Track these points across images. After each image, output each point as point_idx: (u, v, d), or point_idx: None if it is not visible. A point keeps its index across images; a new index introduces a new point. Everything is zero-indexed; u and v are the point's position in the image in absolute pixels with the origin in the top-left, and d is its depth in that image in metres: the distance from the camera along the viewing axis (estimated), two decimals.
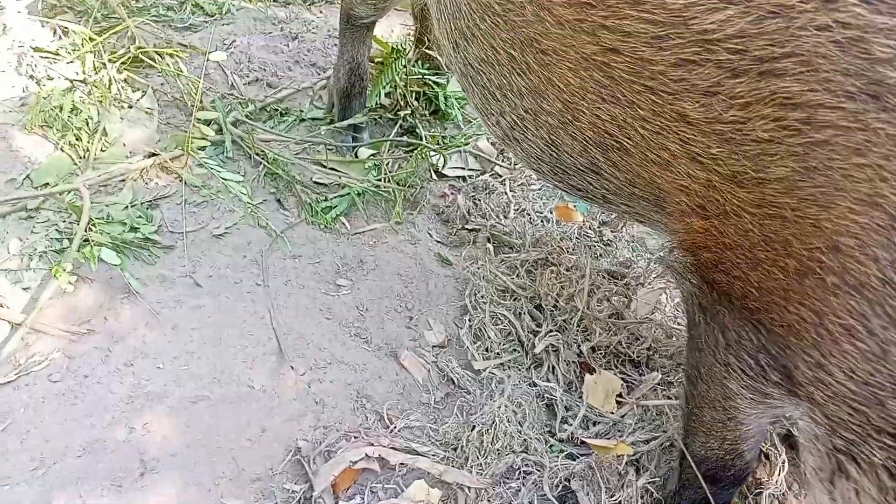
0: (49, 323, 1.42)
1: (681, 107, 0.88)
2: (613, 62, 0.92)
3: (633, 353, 1.46)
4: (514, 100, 1.12)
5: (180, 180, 1.78)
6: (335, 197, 1.85)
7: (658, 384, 1.46)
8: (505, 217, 1.90)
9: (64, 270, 1.37)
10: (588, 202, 1.25)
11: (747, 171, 0.85)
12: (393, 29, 2.42)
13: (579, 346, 1.48)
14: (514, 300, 1.59)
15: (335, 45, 2.26)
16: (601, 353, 1.48)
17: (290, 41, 2.24)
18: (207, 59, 1.95)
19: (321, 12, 2.36)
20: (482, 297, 1.60)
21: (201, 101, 1.90)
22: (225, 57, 2.00)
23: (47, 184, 1.71)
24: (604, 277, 1.56)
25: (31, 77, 1.99)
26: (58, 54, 2.04)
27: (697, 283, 1.00)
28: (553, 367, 1.49)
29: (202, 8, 2.30)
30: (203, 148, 1.84)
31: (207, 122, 1.86)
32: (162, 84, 2.02)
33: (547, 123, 1.08)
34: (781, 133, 0.81)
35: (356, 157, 1.96)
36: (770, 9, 0.80)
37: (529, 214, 1.93)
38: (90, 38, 2.05)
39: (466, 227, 1.88)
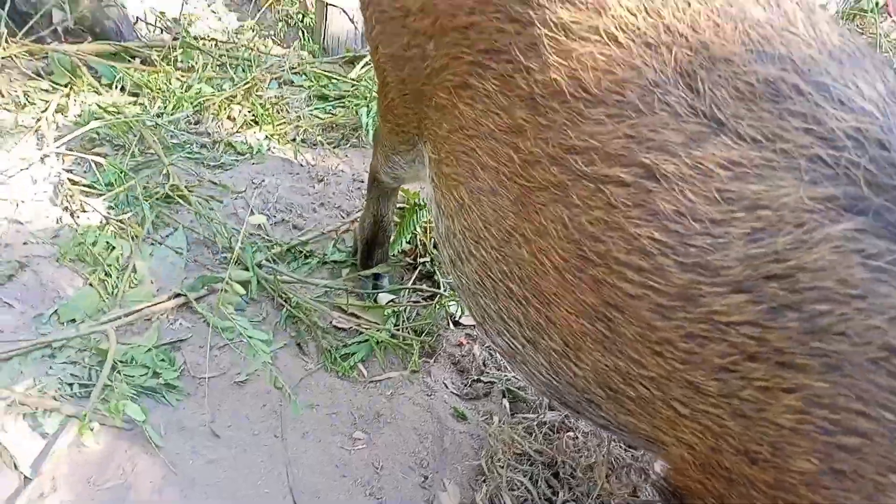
0: (64, 475, 1.40)
1: (693, 376, 0.85)
2: (616, 319, 0.89)
3: None
4: (513, 326, 1.08)
5: (205, 322, 1.81)
6: (354, 343, 1.88)
7: None
8: None
9: (90, 430, 1.37)
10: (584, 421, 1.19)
11: (762, 453, 0.82)
12: None
13: None
14: (531, 465, 1.59)
15: (359, 188, 2.37)
16: None
17: (317, 183, 2.35)
18: (246, 224, 2.02)
19: (346, 156, 2.48)
20: (498, 459, 1.60)
21: (231, 247, 1.96)
22: (265, 220, 2.08)
23: (73, 320, 1.74)
24: (622, 448, 1.57)
25: (66, 209, 2.06)
26: (93, 188, 2.12)
27: None
28: None
29: (234, 147, 2.42)
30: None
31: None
32: (191, 221, 2.09)
33: (547, 353, 1.04)
34: (805, 427, 0.77)
35: (376, 302, 2.01)
36: (785, 302, 0.76)
37: None
38: (125, 174, 2.15)
39: (482, 378, 1.90)
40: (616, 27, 0.91)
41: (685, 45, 0.88)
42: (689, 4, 0.91)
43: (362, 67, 2.89)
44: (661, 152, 0.85)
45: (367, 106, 2.54)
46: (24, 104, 2.36)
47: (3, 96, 2.40)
